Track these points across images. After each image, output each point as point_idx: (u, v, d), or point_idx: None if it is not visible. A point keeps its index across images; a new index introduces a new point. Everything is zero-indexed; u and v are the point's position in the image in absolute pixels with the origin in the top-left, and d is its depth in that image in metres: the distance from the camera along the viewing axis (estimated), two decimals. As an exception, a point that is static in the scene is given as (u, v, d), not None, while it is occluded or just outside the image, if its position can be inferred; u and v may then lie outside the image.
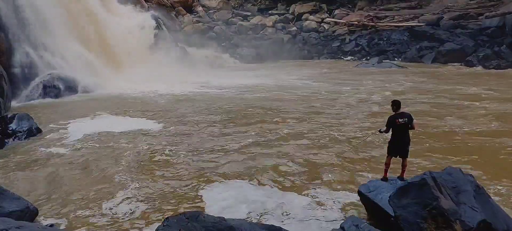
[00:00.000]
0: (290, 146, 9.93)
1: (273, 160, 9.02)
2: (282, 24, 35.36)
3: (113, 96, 17.23)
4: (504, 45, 24.74)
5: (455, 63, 24.82)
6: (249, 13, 37.16)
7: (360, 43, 31.08)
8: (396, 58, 28.30)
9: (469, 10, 30.21)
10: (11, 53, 16.78)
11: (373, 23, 32.57)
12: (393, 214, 5.60)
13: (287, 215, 6.64)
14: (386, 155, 6.78)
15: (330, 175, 8.15)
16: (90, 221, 6.55)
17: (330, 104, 14.80)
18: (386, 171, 6.73)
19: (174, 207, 6.95)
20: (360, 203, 6.66)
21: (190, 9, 35.55)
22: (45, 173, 8.57)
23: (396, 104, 6.67)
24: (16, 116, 11.40)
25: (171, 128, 11.94)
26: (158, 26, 26.15)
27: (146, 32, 24.79)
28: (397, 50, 29.14)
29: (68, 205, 7.07)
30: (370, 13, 34.34)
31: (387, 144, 6.81)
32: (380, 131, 6.96)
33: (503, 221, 5.43)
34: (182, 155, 9.46)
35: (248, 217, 6.45)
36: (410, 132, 6.63)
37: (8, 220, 4.95)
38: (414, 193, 5.49)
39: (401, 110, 6.67)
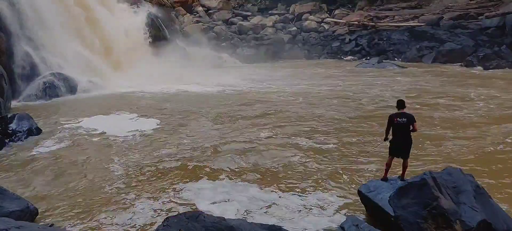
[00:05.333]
0: (290, 146, 9.93)
1: (273, 159, 9.02)
2: (282, 24, 35.35)
3: (113, 96, 17.24)
4: (504, 45, 24.72)
5: (455, 63, 24.81)
6: (249, 13, 37.15)
7: (360, 43, 31.05)
8: (396, 58, 28.26)
9: (469, 10, 30.18)
10: (11, 53, 16.77)
11: (373, 23, 32.56)
12: (393, 214, 5.60)
13: (287, 214, 6.63)
14: (388, 155, 6.76)
15: (330, 175, 8.15)
16: (90, 220, 6.55)
17: (332, 103, 14.80)
18: (386, 171, 6.73)
19: (175, 207, 6.96)
20: (360, 203, 6.66)
21: (190, 9, 35.53)
22: (45, 173, 8.57)
23: (398, 103, 6.68)
24: (16, 115, 11.40)
25: (170, 126, 11.94)
26: (158, 26, 26.14)
27: (145, 32, 24.79)
28: (397, 50, 29.11)
29: (68, 205, 7.07)
30: (370, 13, 34.32)
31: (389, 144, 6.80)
32: (385, 140, 6.82)
33: (503, 221, 5.44)
34: (181, 153, 9.46)
35: (248, 217, 6.45)
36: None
37: (8, 220, 4.95)
38: (414, 193, 5.49)
39: (404, 110, 6.66)
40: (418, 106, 13.93)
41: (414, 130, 6.50)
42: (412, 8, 33.98)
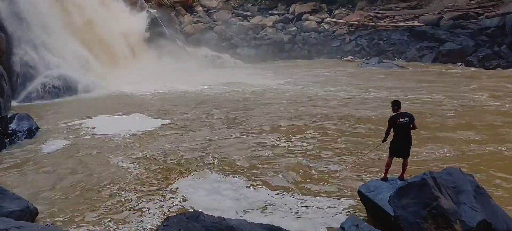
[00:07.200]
0: (289, 146, 9.93)
1: (273, 159, 9.02)
2: (282, 24, 35.29)
3: (113, 96, 17.25)
4: (504, 45, 24.69)
5: (455, 63, 24.79)
6: (249, 13, 37.09)
7: (360, 43, 31.05)
8: (396, 58, 28.26)
9: (469, 10, 30.13)
10: (11, 53, 16.80)
11: (373, 23, 32.54)
12: (393, 214, 5.60)
13: (286, 214, 6.64)
14: (388, 155, 6.75)
15: (330, 175, 8.15)
16: (90, 220, 6.55)
17: (331, 103, 14.80)
18: (386, 171, 6.72)
19: (175, 207, 6.96)
20: (360, 203, 6.66)
21: (190, 9, 35.51)
22: (45, 172, 8.58)
23: (396, 104, 6.68)
24: (16, 115, 11.41)
25: (171, 126, 11.95)
26: (158, 26, 26.13)
27: (145, 32, 24.79)
28: (397, 50, 29.11)
29: (68, 205, 7.08)
30: (370, 13, 34.26)
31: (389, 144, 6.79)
32: (383, 141, 6.84)
33: (503, 221, 5.43)
34: (182, 152, 9.46)
35: (247, 217, 6.44)
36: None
37: (8, 220, 4.94)
38: (414, 193, 5.49)
39: (402, 110, 6.68)
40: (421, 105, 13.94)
41: (414, 128, 6.54)
42: (412, 8, 33.94)
